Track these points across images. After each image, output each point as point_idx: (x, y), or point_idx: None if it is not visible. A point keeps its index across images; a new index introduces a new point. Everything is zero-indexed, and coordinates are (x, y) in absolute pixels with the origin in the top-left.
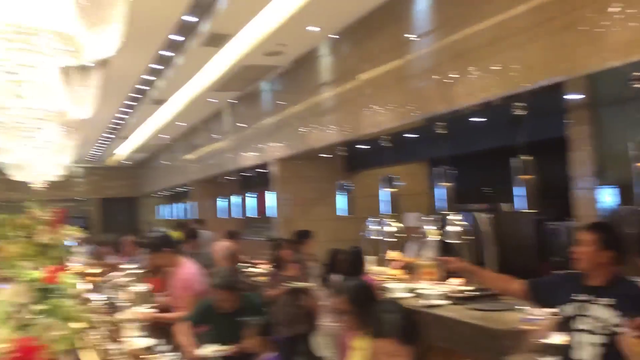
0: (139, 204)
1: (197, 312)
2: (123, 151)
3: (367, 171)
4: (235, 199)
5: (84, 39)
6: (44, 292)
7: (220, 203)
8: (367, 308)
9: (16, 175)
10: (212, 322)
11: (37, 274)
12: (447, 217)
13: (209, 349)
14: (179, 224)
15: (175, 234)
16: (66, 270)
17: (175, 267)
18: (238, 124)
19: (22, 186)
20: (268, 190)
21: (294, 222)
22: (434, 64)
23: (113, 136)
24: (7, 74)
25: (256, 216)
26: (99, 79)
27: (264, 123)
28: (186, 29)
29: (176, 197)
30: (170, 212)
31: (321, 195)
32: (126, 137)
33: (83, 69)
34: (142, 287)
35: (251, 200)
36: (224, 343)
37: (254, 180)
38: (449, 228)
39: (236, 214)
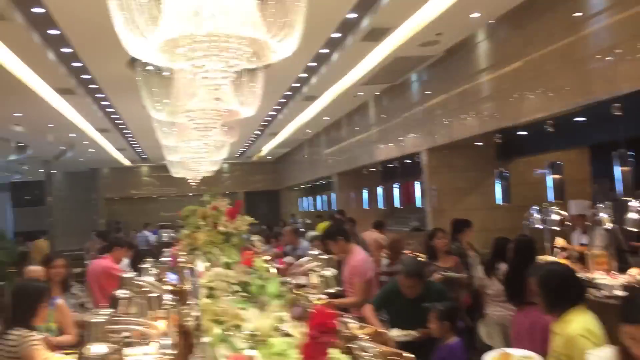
0: (280, 197)
1: (382, 296)
2: (268, 147)
3: (522, 158)
4: (379, 190)
5: (269, 43)
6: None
7: (364, 194)
8: (559, 292)
9: (178, 173)
10: (396, 307)
11: (234, 257)
12: (627, 203)
13: (396, 333)
14: (318, 215)
15: (323, 225)
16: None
17: (348, 255)
18: (382, 116)
19: (179, 182)
20: (411, 181)
21: (444, 212)
22: (610, 43)
23: (261, 133)
24: (205, 79)
25: (400, 207)
26: (263, 79)
27: (412, 113)
28: (347, 26)
29: (317, 189)
30: (311, 204)
31: (473, 184)
32: (275, 134)
33: (251, 70)
34: (329, 272)
35: (395, 191)
36: (405, 328)
37: (396, 171)
38: (630, 215)
39: (379, 204)
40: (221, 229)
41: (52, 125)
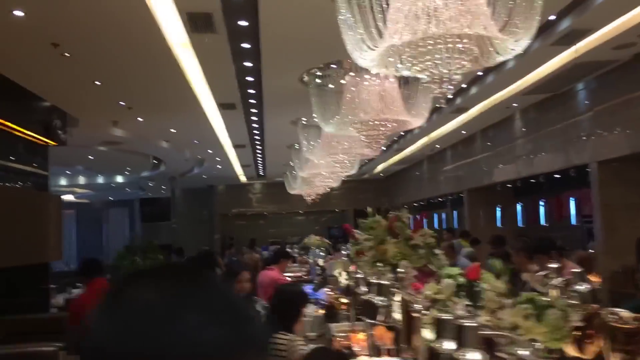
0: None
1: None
2: (386, 163)
3: None
4: (518, 207)
5: (501, 42)
6: (469, 287)
7: (497, 212)
8: None
9: (294, 189)
10: None
11: (455, 270)
12: None
13: None
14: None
15: (464, 243)
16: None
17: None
18: (531, 128)
19: (289, 199)
20: (562, 196)
21: (616, 230)
22: None
23: (386, 149)
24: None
25: (545, 224)
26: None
27: (575, 124)
28: (541, 29)
29: (432, 207)
30: (425, 222)
31: None
32: (402, 149)
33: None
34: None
35: (541, 208)
36: None
37: (539, 186)
38: None
39: (519, 222)
40: (414, 241)
41: (197, 142)
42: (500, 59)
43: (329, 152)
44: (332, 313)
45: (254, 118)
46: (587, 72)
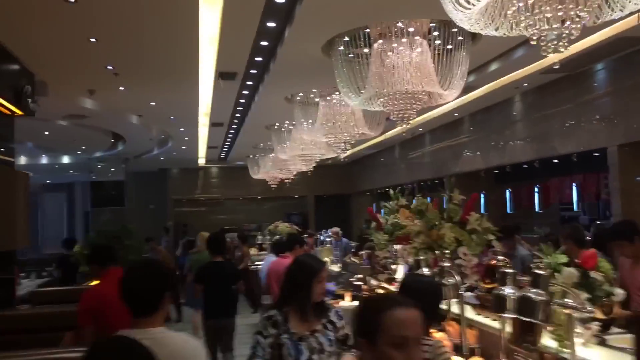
0: (350, 202)
1: None
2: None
3: None
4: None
5: None
6: (584, 276)
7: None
8: None
9: (257, 174)
10: None
11: (562, 258)
12: None
13: None
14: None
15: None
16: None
17: None
18: (534, 111)
19: (246, 185)
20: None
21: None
22: None
23: None
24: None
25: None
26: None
27: (594, 106)
28: None
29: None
30: None
31: None
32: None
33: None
34: None
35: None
36: None
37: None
38: None
39: (508, 209)
40: (470, 226)
41: (173, 118)
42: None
43: (328, 131)
44: None
45: (245, 92)
46: (627, 47)
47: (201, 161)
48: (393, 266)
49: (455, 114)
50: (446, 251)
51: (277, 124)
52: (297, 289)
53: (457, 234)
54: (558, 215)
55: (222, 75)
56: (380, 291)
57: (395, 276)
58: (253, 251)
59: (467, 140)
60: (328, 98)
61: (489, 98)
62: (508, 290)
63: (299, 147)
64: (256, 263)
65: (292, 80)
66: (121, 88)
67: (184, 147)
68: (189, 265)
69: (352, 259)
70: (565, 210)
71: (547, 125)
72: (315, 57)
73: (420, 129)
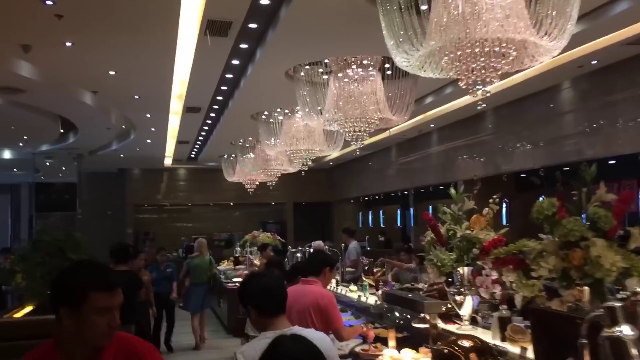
0: (332, 210)
1: None
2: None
3: None
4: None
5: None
6: None
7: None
8: None
9: (232, 177)
10: None
11: None
12: None
13: None
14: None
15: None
16: None
17: None
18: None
19: (218, 190)
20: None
21: None
22: None
23: None
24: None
25: None
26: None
27: None
28: None
29: (386, 201)
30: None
31: None
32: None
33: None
34: None
35: None
36: None
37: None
38: None
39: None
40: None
41: (138, 97)
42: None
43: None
44: None
45: (236, 63)
46: None
47: (167, 161)
48: (458, 297)
49: (480, 106)
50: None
51: (266, 112)
52: None
53: (623, 258)
54: None
55: (212, 26)
56: (462, 344)
57: (461, 312)
58: (226, 265)
59: (489, 139)
60: (340, 75)
61: (529, 85)
62: None
63: (293, 140)
64: (234, 280)
65: (300, 45)
66: (68, 43)
67: (148, 141)
68: (187, 269)
69: (365, 278)
70: None
71: (610, 116)
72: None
73: (432, 125)
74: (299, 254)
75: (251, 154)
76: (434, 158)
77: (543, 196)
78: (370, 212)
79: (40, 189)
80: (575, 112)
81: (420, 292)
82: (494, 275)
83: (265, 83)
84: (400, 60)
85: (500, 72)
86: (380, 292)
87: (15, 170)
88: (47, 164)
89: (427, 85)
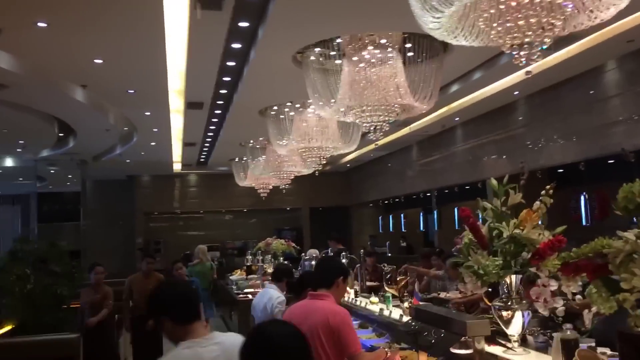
0: (351, 215)
1: None
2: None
3: None
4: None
5: None
6: None
7: None
8: None
9: (243, 181)
10: None
11: None
12: None
13: None
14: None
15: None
16: None
17: None
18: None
19: (230, 196)
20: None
21: None
22: None
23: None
24: None
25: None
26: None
27: None
28: None
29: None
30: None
31: None
32: (408, 124)
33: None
34: None
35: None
36: None
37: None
38: None
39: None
40: None
41: (133, 91)
42: None
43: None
44: None
45: (236, 47)
46: None
47: (176, 166)
48: (505, 313)
49: (516, 92)
50: None
51: (276, 108)
52: None
53: None
54: None
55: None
56: None
57: (509, 330)
58: (239, 275)
59: (521, 132)
60: (356, 58)
61: (567, 67)
62: None
63: (305, 137)
64: (245, 291)
65: (307, 18)
66: (41, 24)
67: (153, 144)
68: (189, 275)
69: (388, 288)
70: None
71: None
72: None
73: (457, 119)
74: (313, 262)
75: (262, 156)
76: (458, 155)
77: (585, 193)
78: (390, 216)
79: (44, 199)
80: (622, 96)
81: (448, 305)
82: (553, 285)
83: (271, 71)
84: (429, 22)
85: (556, 32)
86: (406, 304)
87: (20, 179)
88: (52, 172)
89: (452, 70)
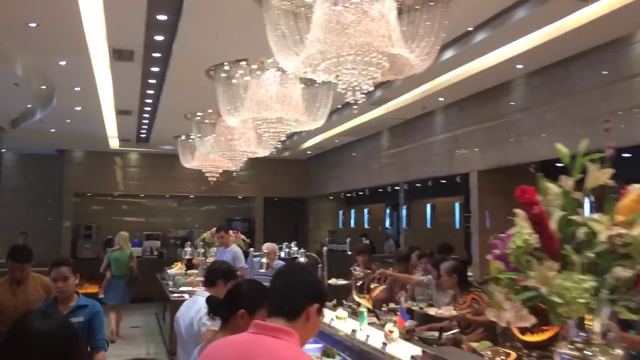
0: (307, 208)
1: None
2: (324, 135)
3: None
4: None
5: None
6: None
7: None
8: None
9: (189, 162)
10: None
11: None
12: None
13: None
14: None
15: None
16: None
17: None
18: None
19: (174, 179)
20: None
21: None
22: None
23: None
24: None
25: None
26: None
27: None
28: None
29: (372, 199)
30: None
31: None
32: (386, 101)
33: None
34: None
35: None
36: None
37: None
38: None
39: None
40: None
41: (34, 25)
42: None
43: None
44: None
45: None
46: None
47: (114, 142)
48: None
49: (519, 66)
50: None
51: (227, 67)
52: None
53: None
54: None
55: None
56: None
57: None
58: (177, 269)
59: (518, 117)
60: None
61: (578, 38)
62: None
63: (260, 106)
64: (181, 289)
65: None
66: None
67: (78, 109)
68: (107, 262)
69: (359, 298)
70: None
71: None
72: None
73: (441, 98)
74: (264, 260)
75: (213, 135)
76: (437, 145)
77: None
78: (352, 211)
79: None
80: None
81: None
82: None
83: (218, 8)
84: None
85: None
86: (389, 326)
87: None
88: None
89: (449, 30)
